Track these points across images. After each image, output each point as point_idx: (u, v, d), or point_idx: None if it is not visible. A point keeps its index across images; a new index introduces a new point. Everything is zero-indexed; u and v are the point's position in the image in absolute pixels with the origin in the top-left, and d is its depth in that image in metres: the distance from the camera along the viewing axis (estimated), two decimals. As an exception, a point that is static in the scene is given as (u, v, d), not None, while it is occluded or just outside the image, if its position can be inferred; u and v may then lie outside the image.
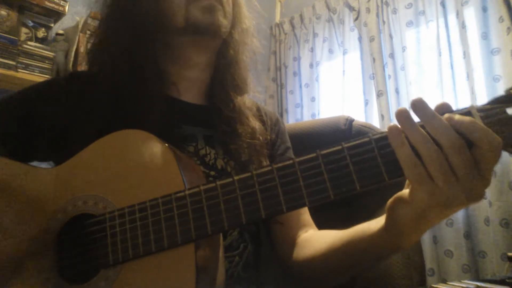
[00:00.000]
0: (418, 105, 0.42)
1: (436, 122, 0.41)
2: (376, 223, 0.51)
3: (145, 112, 0.64)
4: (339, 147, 0.44)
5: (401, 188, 0.47)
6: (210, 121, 0.73)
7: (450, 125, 0.40)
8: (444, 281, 1.67)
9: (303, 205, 0.44)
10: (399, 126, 0.42)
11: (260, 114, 0.83)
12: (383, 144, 0.43)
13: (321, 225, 0.75)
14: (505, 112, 0.42)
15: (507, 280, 0.53)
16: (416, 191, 0.42)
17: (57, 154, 0.66)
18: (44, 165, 0.64)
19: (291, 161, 0.45)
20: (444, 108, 0.43)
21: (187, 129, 0.70)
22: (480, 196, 0.40)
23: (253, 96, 0.84)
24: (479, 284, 0.51)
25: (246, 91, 0.80)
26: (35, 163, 0.64)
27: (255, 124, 0.76)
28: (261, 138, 0.74)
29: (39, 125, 0.68)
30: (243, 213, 0.45)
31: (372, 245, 0.52)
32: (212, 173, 0.68)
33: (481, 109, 0.43)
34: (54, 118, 0.67)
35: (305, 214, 0.76)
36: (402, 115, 0.42)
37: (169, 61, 0.73)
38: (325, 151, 0.45)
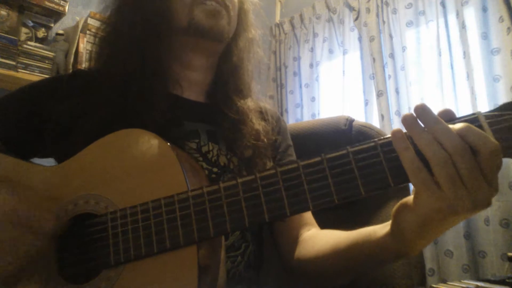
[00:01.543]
0: (421, 111, 0.42)
1: (439, 127, 0.40)
2: (382, 228, 0.51)
3: (148, 109, 0.64)
4: (344, 151, 0.44)
5: (401, 189, 0.47)
6: (213, 117, 0.73)
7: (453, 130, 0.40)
8: (444, 281, 1.67)
9: (307, 209, 0.44)
10: (403, 130, 0.42)
11: (262, 113, 0.82)
12: (389, 149, 0.43)
13: (321, 224, 0.75)
14: None
15: (507, 280, 0.53)
16: (421, 196, 0.42)
17: (59, 152, 0.66)
18: (45, 162, 0.64)
19: (295, 165, 0.45)
20: (447, 115, 0.43)
21: (189, 125, 0.70)
22: (486, 203, 0.40)
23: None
24: (479, 284, 0.51)
25: (249, 95, 0.80)
26: (36, 161, 0.64)
27: (259, 126, 0.76)
28: (265, 140, 0.74)
29: (42, 123, 0.68)
30: (246, 216, 0.45)
31: (376, 250, 0.52)
32: (215, 169, 0.68)
33: (489, 116, 0.42)
34: (57, 116, 0.67)
35: (307, 213, 0.76)
36: (408, 119, 0.42)
37: (172, 60, 0.74)
38: (330, 155, 0.44)
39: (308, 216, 0.76)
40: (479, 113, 0.42)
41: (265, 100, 0.88)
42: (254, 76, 0.82)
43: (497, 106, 0.43)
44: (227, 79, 0.77)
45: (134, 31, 0.69)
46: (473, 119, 0.42)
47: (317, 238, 0.68)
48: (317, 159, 0.44)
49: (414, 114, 0.42)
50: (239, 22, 0.77)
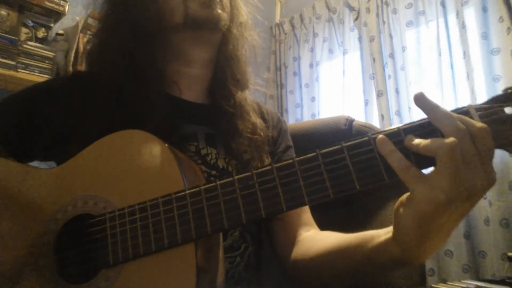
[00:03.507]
0: (421, 98, 0.43)
1: (439, 112, 0.42)
2: (385, 232, 0.51)
3: (146, 112, 0.64)
4: (339, 147, 0.45)
5: (401, 189, 0.47)
6: (212, 119, 0.73)
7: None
8: (444, 281, 1.67)
9: (303, 204, 0.44)
10: (384, 136, 0.44)
11: (261, 112, 0.82)
12: None
13: (320, 225, 0.75)
14: (503, 111, 0.42)
15: (507, 280, 0.53)
16: (414, 192, 0.42)
17: (59, 154, 0.66)
18: (44, 165, 0.64)
19: (291, 161, 0.45)
20: None
21: (188, 128, 0.70)
22: (481, 192, 0.41)
23: (254, 90, 0.84)
24: (479, 284, 0.51)
25: (246, 86, 0.80)
26: (35, 163, 0.64)
27: (256, 119, 0.76)
28: (262, 133, 0.74)
29: (41, 125, 0.68)
30: (243, 212, 0.45)
31: (377, 254, 0.51)
32: (214, 172, 0.68)
33: (479, 108, 0.43)
34: (56, 118, 0.67)
35: (306, 212, 0.75)
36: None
37: (169, 59, 0.73)
38: (324, 151, 0.45)
39: (307, 216, 0.75)
40: (470, 105, 0.44)
41: (265, 99, 0.88)
42: (250, 61, 0.82)
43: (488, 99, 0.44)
44: (224, 70, 0.77)
45: (127, 33, 0.69)
46: (464, 111, 0.43)
47: (315, 239, 0.68)
48: (312, 155, 0.45)
49: (414, 103, 0.44)
50: (231, 9, 0.76)
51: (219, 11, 0.70)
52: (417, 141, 0.42)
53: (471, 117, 0.42)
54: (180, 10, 0.68)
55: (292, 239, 0.71)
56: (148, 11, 0.69)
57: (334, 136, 0.96)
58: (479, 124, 0.41)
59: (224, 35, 0.76)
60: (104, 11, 0.74)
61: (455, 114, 0.42)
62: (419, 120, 0.44)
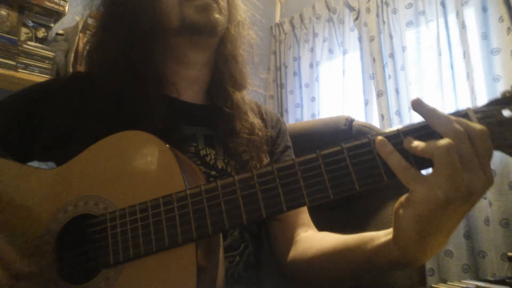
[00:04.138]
0: (418, 103, 0.44)
1: (437, 115, 0.43)
2: (385, 234, 0.51)
3: (145, 113, 0.64)
4: (339, 148, 0.45)
5: (401, 190, 0.47)
6: (210, 120, 0.73)
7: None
8: (444, 281, 1.67)
9: (303, 205, 0.45)
10: (384, 138, 0.44)
11: (260, 112, 0.82)
12: None
13: (321, 225, 0.75)
14: (501, 113, 0.43)
15: (507, 280, 0.53)
16: (413, 192, 0.43)
17: (58, 155, 0.66)
18: (44, 165, 0.64)
19: (291, 162, 0.46)
20: None
21: (187, 129, 0.70)
22: (480, 192, 0.41)
23: (252, 90, 0.84)
24: (479, 284, 0.51)
25: (244, 86, 0.80)
26: (35, 164, 0.64)
27: (254, 119, 0.76)
28: (260, 133, 0.74)
29: (41, 125, 0.68)
30: (243, 213, 0.45)
31: (377, 256, 0.51)
32: (213, 173, 0.68)
33: (478, 111, 0.44)
34: (56, 118, 0.67)
35: (304, 213, 0.75)
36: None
37: (167, 61, 0.73)
38: (324, 152, 0.45)
39: (305, 216, 0.75)
40: (469, 108, 0.44)
41: (265, 100, 0.88)
42: (248, 61, 0.82)
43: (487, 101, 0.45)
44: (222, 70, 0.77)
45: (125, 35, 0.69)
46: (463, 114, 0.44)
47: (314, 240, 0.68)
48: (312, 156, 0.46)
49: (412, 108, 0.44)
50: (229, 8, 0.76)
51: (216, 15, 0.69)
52: (415, 143, 0.43)
53: (470, 120, 0.43)
54: (176, 14, 0.68)
55: (290, 240, 0.71)
56: (146, 13, 0.68)
57: (334, 136, 0.96)
58: (477, 126, 0.42)
59: (222, 35, 0.76)
60: (103, 11, 0.74)
61: (453, 117, 0.43)
62: (419, 123, 0.45)
